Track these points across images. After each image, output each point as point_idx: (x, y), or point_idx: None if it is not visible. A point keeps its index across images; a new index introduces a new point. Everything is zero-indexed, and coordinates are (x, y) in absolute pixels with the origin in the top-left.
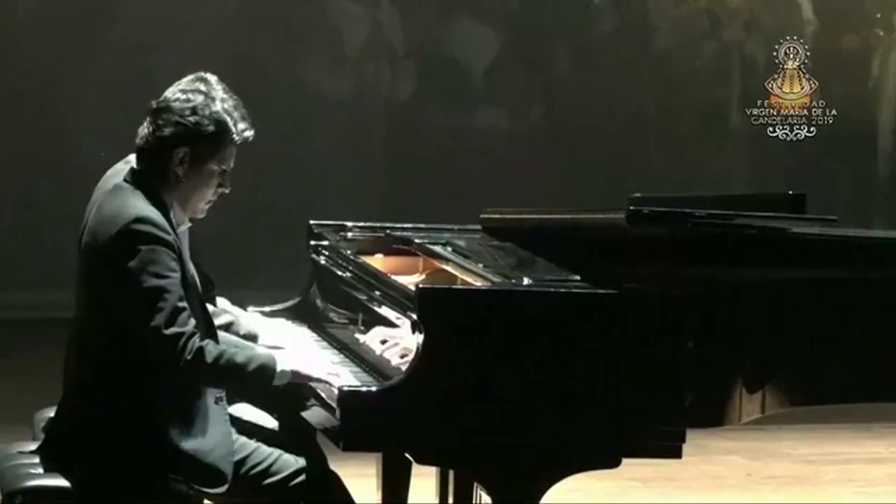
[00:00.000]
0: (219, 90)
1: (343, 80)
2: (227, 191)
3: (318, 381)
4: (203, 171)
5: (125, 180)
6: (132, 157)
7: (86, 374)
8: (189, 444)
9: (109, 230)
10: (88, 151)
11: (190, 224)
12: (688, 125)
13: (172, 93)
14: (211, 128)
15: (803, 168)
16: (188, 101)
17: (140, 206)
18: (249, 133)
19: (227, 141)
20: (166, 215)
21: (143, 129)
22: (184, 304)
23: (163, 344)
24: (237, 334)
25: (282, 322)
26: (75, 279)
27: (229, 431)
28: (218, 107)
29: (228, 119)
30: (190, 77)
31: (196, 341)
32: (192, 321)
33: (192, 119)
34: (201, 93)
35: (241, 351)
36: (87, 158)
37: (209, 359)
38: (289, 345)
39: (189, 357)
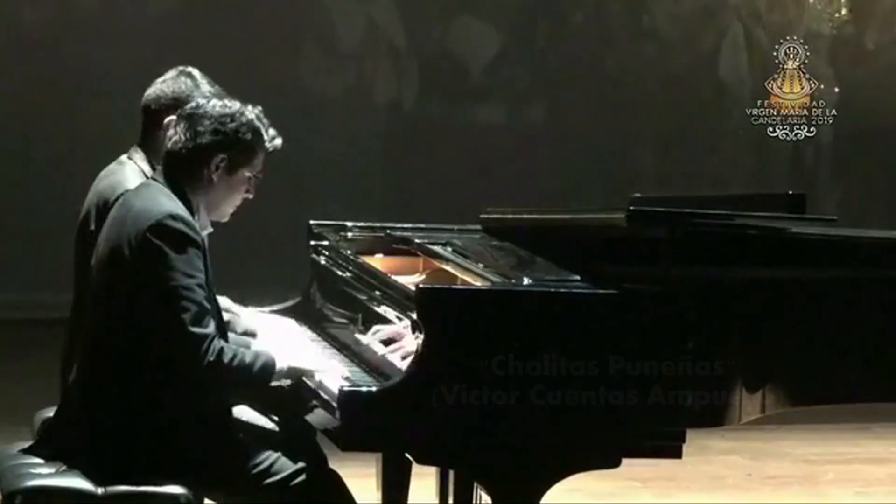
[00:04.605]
0: (205, 83)
1: (343, 80)
2: (251, 196)
3: (313, 374)
4: (236, 178)
5: (153, 179)
6: (124, 158)
7: (91, 372)
8: (191, 445)
9: (139, 225)
10: (88, 152)
11: (211, 230)
12: (687, 125)
13: (207, 98)
14: (248, 136)
15: (803, 168)
16: (225, 107)
17: (172, 204)
18: (279, 141)
19: (260, 148)
20: (192, 217)
21: (176, 134)
22: (208, 305)
23: (187, 343)
24: (234, 332)
25: (280, 319)
26: (79, 276)
27: (231, 432)
28: (252, 115)
29: (262, 126)
30: (173, 72)
31: (217, 343)
32: (213, 323)
33: (231, 126)
34: (231, 100)
35: (247, 351)
36: (86, 159)
37: (226, 360)
38: (286, 341)
39: (211, 359)
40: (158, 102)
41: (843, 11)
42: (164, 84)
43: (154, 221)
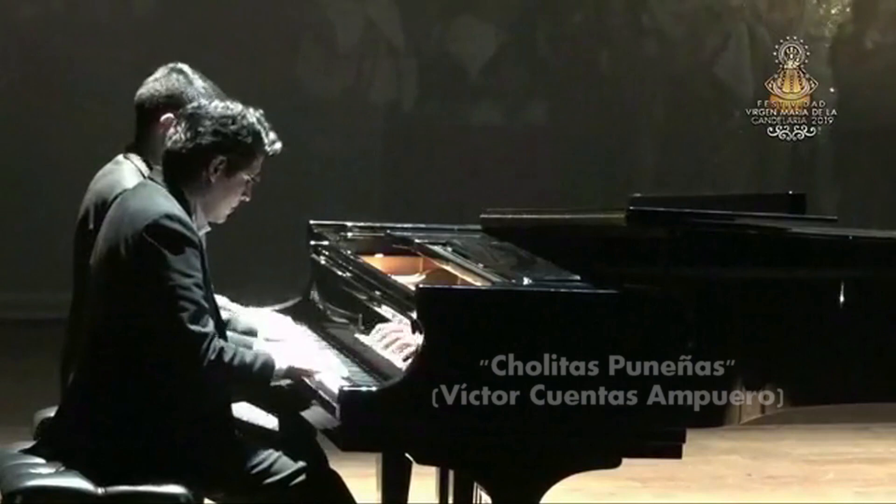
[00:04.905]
0: (197, 79)
1: (341, 80)
2: (247, 199)
3: (313, 375)
4: (234, 180)
5: (150, 178)
6: (121, 158)
7: (91, 372)
8: (190, 445)
9: (136, 225)
10: (86, 152)
11: (209, 229)
12: (687, 125)
13: (209, 99)
14: (249, 139)
15: (803, 168)
16: (227, 108)
17: (168, 204)
18: (279, 145)
19: (260, 152)
20: (189, 217)
21: (176, 133)
22: (206, 304)
23: (186, 343)
24: (235, 330)
25: (280, 317)
26: (78, 276)
27: (231, 432)
28: (253, 118)
29: (262, 130)
30: (164, 69)
31: (217, 342)
32: (212, 322)
33: (232, 128)
34: (230, 102)
35: (247, 350)
36: (85, 159)
37: (226, 359)
38: (288, 339)
39: (212, 357)
40: (152, 100)
41: (835, 11)
42: (157, 82)
43: (151, 221)
